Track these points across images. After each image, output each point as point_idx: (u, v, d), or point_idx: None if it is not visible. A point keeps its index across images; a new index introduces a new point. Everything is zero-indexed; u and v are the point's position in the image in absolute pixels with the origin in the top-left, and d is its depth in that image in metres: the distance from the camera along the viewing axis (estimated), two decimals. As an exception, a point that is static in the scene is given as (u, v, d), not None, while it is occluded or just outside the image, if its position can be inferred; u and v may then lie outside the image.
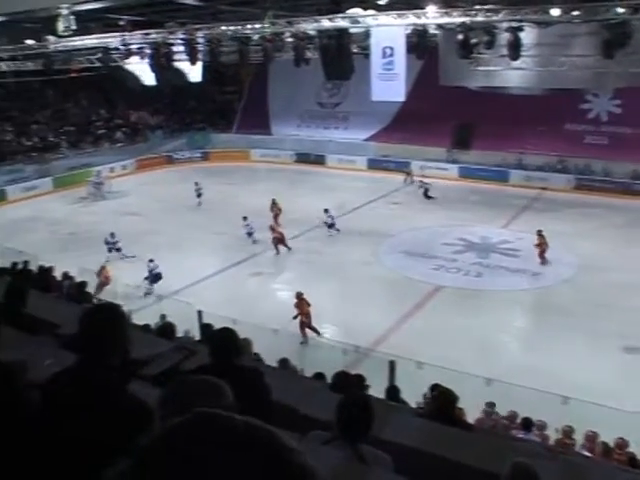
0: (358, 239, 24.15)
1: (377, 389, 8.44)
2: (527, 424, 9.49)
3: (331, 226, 25.01)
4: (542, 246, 21.34)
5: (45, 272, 15.66)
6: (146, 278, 19.30)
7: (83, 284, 15.08)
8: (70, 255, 21.16)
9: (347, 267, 21.46)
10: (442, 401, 5.62)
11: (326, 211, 25.12)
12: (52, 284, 14.51)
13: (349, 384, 6.16)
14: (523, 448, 5.64)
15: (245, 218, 24.26)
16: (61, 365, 2.62)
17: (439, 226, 25.78)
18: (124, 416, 2.04)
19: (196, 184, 30.50)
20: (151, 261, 19.75)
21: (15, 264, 15.74)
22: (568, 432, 9.61)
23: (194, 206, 29.50)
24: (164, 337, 6.98)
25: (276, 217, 26.08)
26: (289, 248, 23.29)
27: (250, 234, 24.12)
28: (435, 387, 6.72)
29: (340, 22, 19.10)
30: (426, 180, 31.29)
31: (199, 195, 30.19)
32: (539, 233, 21.52)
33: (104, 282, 18.98)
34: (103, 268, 19.62)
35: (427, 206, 29.07)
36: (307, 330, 16.37)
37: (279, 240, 23.18)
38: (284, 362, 10.85)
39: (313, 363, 11.76)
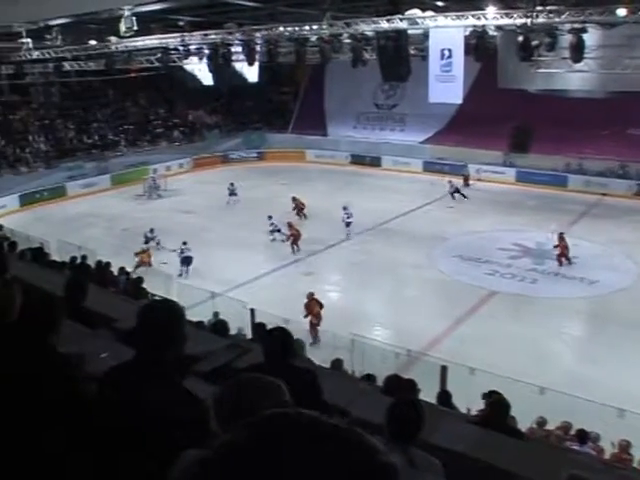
0: (412, 242, 23.97)
1: (428, 393, 8.35)
2: (582, 436, 9.22)
3: (348, 225, 24.81)
4: (562, 249, 21.18)
5: (102, 267, 16.01)
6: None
7: (139, 280, 15.35)
8: (126, 251, 21.58)
9: (400, 269, 21.33)
10: (496, 408, 5.53)
11: (345, 209, 25.01)
12: (109, 279, 14.84)
13: (401, 388, 6.11)
14: (578, 460, 5.50)
15: (270, 217, 24.59)
16: (117, 359, 2.66)
17: (494, 231, 25.40)
18: (179, 411, 2.05)
19: (231, 184, 31.09)
20: (184, 244, 21.00)
21: (74, 258, 16.16)
22: (625, 447, 9.31)
23: (248, 205, 29.72)
24: (217, 334, 7.03)
25: (300, 211, 26.50)
26: (299, 249, 23.16)
27: (273, 232, 24.39)
28: (490, 394, 6.61)
29: (398, 23, 19.00)
30: (455, 180, 31.29)
31: (231, 194, 30.75)
32: (560, 235, 21.43)
33: (141, 263, 20.91)
34: (144, 251, 21.65)
35: (482, 210, 28.66)
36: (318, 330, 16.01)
37: (295, 238, 23.09)
38: (337, 362, 10.82)
39: (364, 365, 11.74)
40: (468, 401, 9.51)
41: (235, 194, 30.74)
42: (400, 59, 20.00)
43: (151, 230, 23.78)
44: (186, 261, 20.97)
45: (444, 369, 10.44)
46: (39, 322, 2.47)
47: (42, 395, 2.10)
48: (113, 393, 2.24)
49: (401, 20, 18.95)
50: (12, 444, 1.98)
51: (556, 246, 21.48)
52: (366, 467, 0.97)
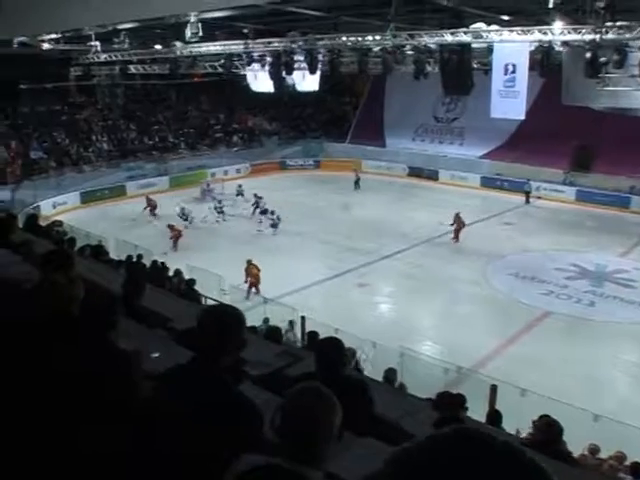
0: (467, 257, 23.70)
1: (477, 412, 8.19)
2: (637, 469, 8.87)
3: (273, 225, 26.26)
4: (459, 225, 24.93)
5: (158, 267, 16.26)
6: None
7: (192, 281, 15.52)
8: (180, 252, 21.87)
9: (454, 285, 21.07)
10: (549, 433, 5.37)
11: (273, 213, 26.55)
12: (164, 279, 15.05)
13: (451, 405, 6.00)
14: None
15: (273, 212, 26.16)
16: (171, 358, 2.67)
17: (552, 250, 24.89)
18: (234, 416, 2.04)
19: (239, 186, 32.77)
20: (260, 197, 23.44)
21: (130, 257, 16.46)
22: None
23: (304, 212, 29.84)
24: (270, 340, 7.04)
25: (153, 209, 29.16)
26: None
27: (274, 226, 25.63)
28: (543, 417, 6.42)
29: (462, 36, 18.85)
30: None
31: (238, 194, 32.03)
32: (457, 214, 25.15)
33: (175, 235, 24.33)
34: (172, 226, 24.80)
35: (540, 229, 28.14)
36: (253, 290, 19.28)
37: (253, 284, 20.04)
38: (391, 372, 10.71)
39: (413, 379, 11.60)
40: (518, 423, 9.30)
41: (242, 194, 32.05)
42: (462, 73, 19.84)
43: (182, 209, 27.36)
44: (264, 212, 23.32)
45: (494, 388, 10.24)
46: (100, 318, 2.50)
47: (103, 391, 2.11)
48: (169, 394, 2.25)
49: (465, 33, 18.79)
50: (72, 439, 1.99)
51: (452, 224, 25.36)
52: None
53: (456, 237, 25.97)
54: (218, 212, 28.81)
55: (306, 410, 1.82)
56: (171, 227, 24.70)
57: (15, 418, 2.08)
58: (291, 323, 14.38)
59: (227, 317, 2.51)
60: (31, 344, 2.37)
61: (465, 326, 17.67)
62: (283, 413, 1.84)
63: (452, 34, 18.91)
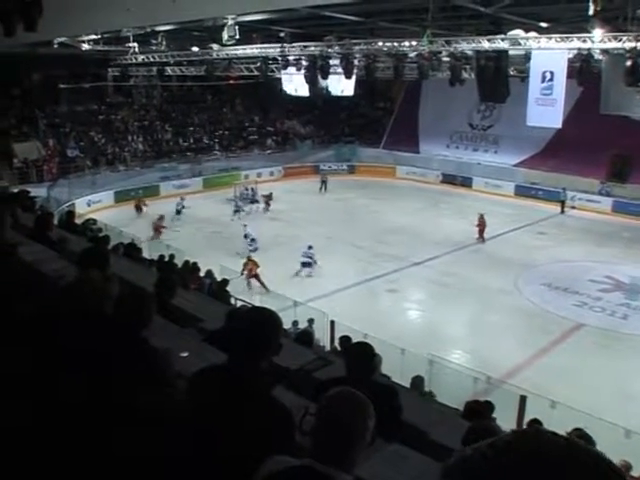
0: (499, 266, 23.45)
1: (506, 423, 8.09)
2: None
3: (306, 265, 21.92)
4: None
5: (189, 267, 16.38)
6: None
7: (224, 282, 15.60)
8: (212, 253, 22.02)
9: (484, 293, 20.88)
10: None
11: (310, 248, 22.13)
12: (195, 279, 15.16)
13: (481, 414, 5.94)
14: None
15: (310, 247, 22.05)
16: (202, 358, 2.68)
17: (586, 261, 24.54)
18: (268, 418, 2.04)
19: (246, 189, 33.18)
20: (310, 248, 21.96)
21: (162, 257, 16.61)
22: None
23: (336, 216, 29.86)
24: (302, 344, 7.04)
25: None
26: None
27: (305, 264, 21.88)
28: (575, 431, 6.33)
29: (500, 43, 18.74)
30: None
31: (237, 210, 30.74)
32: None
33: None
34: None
35: (574, 239, 27.77)
36: (254, 282, 20.13)
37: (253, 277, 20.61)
38: (418, 379, 10.65)
39: (442, 387, 11.52)
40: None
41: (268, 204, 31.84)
42: (499, 80, 19.71)
43: (181, 198, 29.75)
44: (306, 265, 21.88)
45: (523, 399, 10.12)
46: (133, 316, 2.52)
47: (137, 388, 2.13)
48: (203, 394, 2.25)
49: (503, 40, 18.66)
50: (106, 441, 2.00)
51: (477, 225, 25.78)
52: None
53: (481, 237, 26.40)
54: (235, 211, 29.98)
55: (341, 414, 1.83)
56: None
57: (49, 419, 2.10)
58: (310, 321, 14.42)
59: (264, 321, 2.49)
60: (67, 341, 2.40)
61: (495, 336, 17.49)
62: (318, 416, 1.84)
63: (489, 41, 18.80)
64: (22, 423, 2.06)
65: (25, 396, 2.17)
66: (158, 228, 25.92)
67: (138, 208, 30.88)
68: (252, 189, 33.34)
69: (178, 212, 29.44)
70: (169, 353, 2.60)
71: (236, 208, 30.38)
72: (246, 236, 24.09)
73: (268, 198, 31.96)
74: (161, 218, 26.56)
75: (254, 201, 32.15)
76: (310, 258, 21.86)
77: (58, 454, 1.98)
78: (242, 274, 20.19)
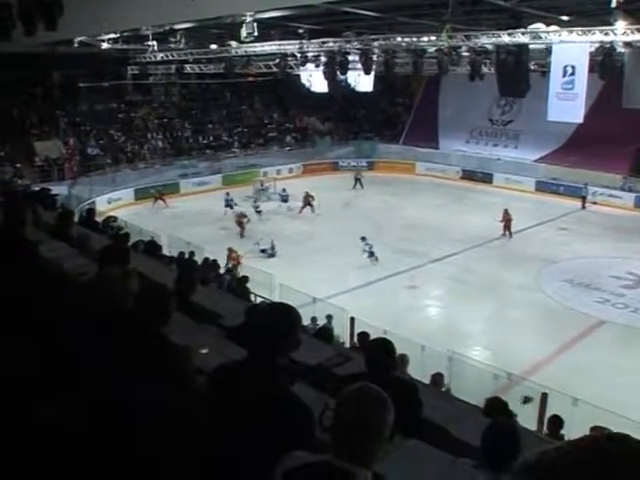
0: (520, 262, 23.28)
1: (527, 420, 8.04)
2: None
3: (371, 255, 22.66)
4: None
5: (209, 264, 16.44)
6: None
7: (245, 278, 15.64)
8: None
9: (505, 290, 20.76)
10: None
11: (363, 239, 22.81)
12: (215, 276, 15.22)
13: (501, 410, 5.90)
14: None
15: (364, 239, 22.73)
16: (221, 354, 2.68)
17: (608, 257, 24.28)
18: (286, 415, 2.04)
19: (227, 194, 30.83)
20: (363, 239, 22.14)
21: (182, 254, 16.68)
22: None
23: (356, 213, 29.81)
24: (322, 340, 7.03)
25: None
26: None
27: (371, 254, 22.62)
28: (597, 429, 6.25)
29: (520, 37, 18.57)
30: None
31: (227, 205, 29.85)
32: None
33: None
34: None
35: (596, 235, 27.50)
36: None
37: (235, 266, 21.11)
38: (438, 376, 10.62)
39: (462, 384, 11.47)
40: (568, 433, 9.10)
41: (231, 206, 29.64)
42: (519, 74, 19.54)
43: (227, 193, 30.11)
44: (372, 255, 22.38)
45: (544, 396, 10.06)
46: (153, 312, 2.53)
47: (157, 385, 2.13)
48: (223, 390, 2.25)
49: (523, 34, 18.50)
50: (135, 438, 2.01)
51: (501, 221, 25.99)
52: None
53: (507, 232, 26.44)
54: (257, 212, 29.11)
55: (360, 410, 1.84)
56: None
57: (79, 415, 2.10)
58: (329, 317, 14.41)
59: (285, 316, 2.48)
60: (91, 337, 2.41)
61: (516, 332, 17.40)
62: (337, 412, 1.84)
63: (509, 35, 18.65)
64: (54, 418, 2.07)
65: (53, 394, 2.18)
66: (241, 223, 26.42)
67: (156, 199, 31.34)
68: (283, 189, 32.15)
69: (230, 207, 29.34)
70: (188, 349, 2.61)
71: (257, 209, 29.38)
72: (263, 250, 23.71)
73: (311, 198, 29.97)
74: (242, 214, 26.96)
75: (284, 199, 31.23)
76: (370, 247, 22.65)
77: (88, 449, 1.99)
78: (227, 266, 20.10)
